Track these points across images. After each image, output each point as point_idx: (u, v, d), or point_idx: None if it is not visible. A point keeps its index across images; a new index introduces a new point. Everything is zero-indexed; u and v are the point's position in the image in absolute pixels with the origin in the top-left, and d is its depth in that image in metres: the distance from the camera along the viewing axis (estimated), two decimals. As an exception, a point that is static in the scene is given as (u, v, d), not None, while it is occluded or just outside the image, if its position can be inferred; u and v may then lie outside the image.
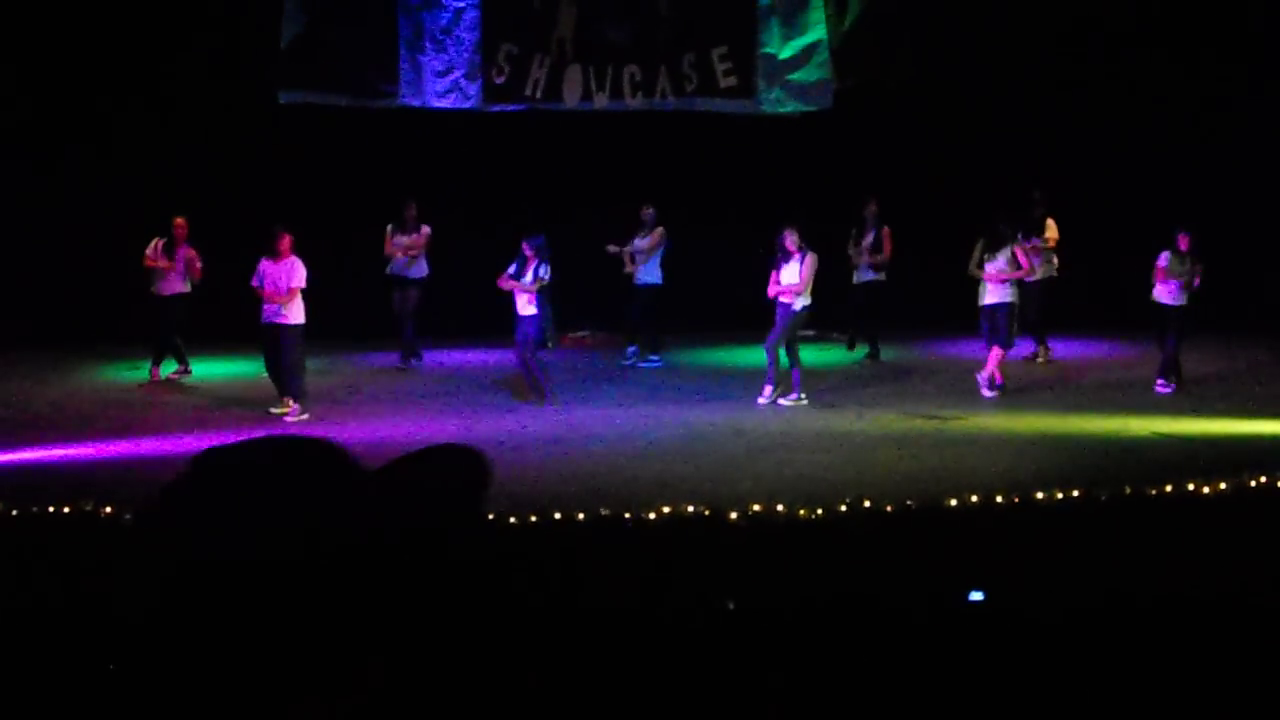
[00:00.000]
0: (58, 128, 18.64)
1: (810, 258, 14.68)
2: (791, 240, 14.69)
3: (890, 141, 18.75)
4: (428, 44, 18.52)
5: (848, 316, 17.79)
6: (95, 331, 18.24)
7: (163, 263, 16.36)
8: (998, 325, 15.09)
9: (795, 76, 18.56)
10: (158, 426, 14.10)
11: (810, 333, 17.97)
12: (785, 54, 18.54)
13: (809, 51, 18.49)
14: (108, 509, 10.34)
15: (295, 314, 14.52)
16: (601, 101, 18.64)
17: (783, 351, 14.87)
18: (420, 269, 17.47)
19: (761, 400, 14.88)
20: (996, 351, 15.04)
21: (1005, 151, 18.48)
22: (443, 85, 18.58)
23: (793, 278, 14.65)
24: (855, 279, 17.50)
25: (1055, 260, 17.13)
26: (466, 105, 18.66)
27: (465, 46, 18.54)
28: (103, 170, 18.49)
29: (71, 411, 14.91)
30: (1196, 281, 14.96)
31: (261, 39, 18.07)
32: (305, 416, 14.46)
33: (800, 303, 14.74)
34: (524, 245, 14.71)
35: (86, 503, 10.45)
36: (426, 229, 17.37)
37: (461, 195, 18.75)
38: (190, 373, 16.75)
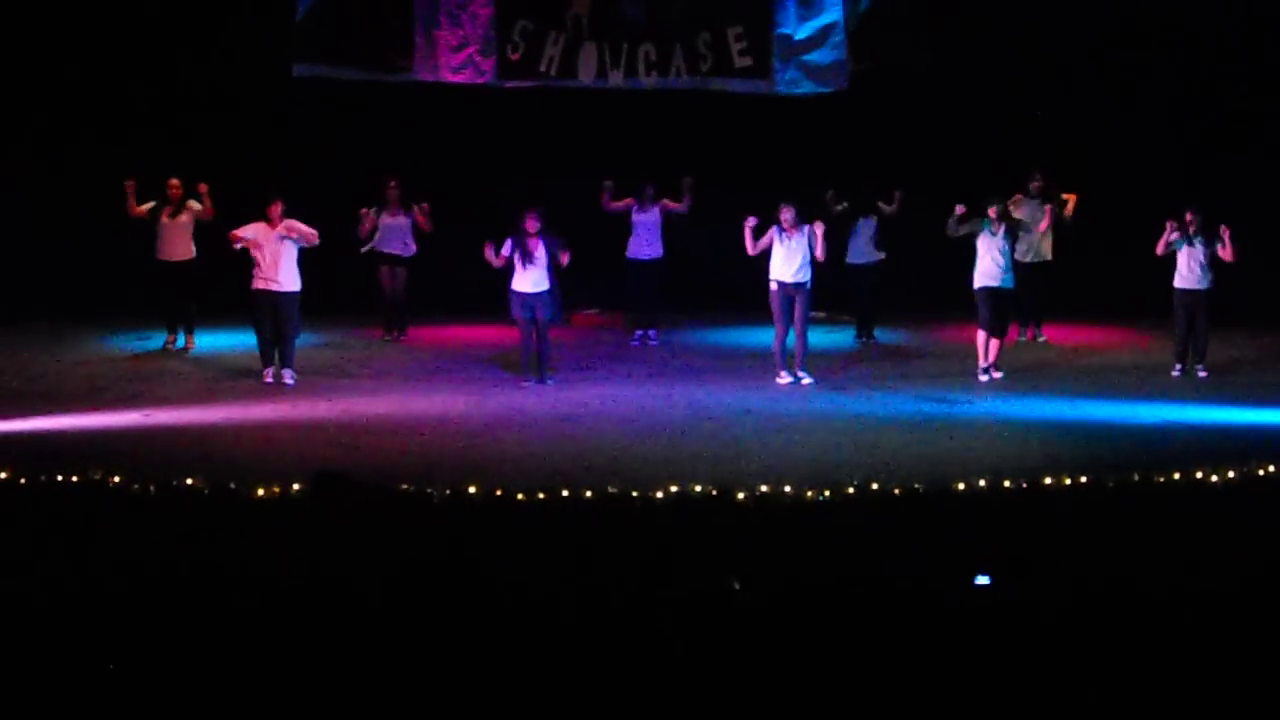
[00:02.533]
0: (67, 99, 18.62)
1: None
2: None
3: (906, 124, 18.69)
4: (443, 18, 18.45)
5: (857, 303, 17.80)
6: (106, 302, 18.24)
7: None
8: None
9: (811, 57, 18.48)
10: (168, 397, 14.14)
11: (821, 314, 18.01)
12: (801, 34, 18.47)
13: (825, 33, 18.41)
14: (116, 478, 10.37)
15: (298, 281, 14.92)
16: (616, 79, 18.57)
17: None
18: (411, 247, 17.59)
19: (805, 381, 14.96)
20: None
21: (1019, 136, 18.46)
22: (457, 60, 18.53)
23: None
24: (856, 260, 17.46)
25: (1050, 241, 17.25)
26: (480, 81, 18.62)
27: (480, 22, 18.48)
28: (112, 140, 18.44)
29: (82, 381, 14.93)
30: (1227, 253, 14.92)
31: (276, 12, 18.04)
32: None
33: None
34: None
35: (95, 472, 10.49)
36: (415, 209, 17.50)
37: (470, 172, 18.72)
38: (175, 346, 16.82)
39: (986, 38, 18.49)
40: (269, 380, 14.69)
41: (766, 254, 14.97)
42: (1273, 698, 6.55)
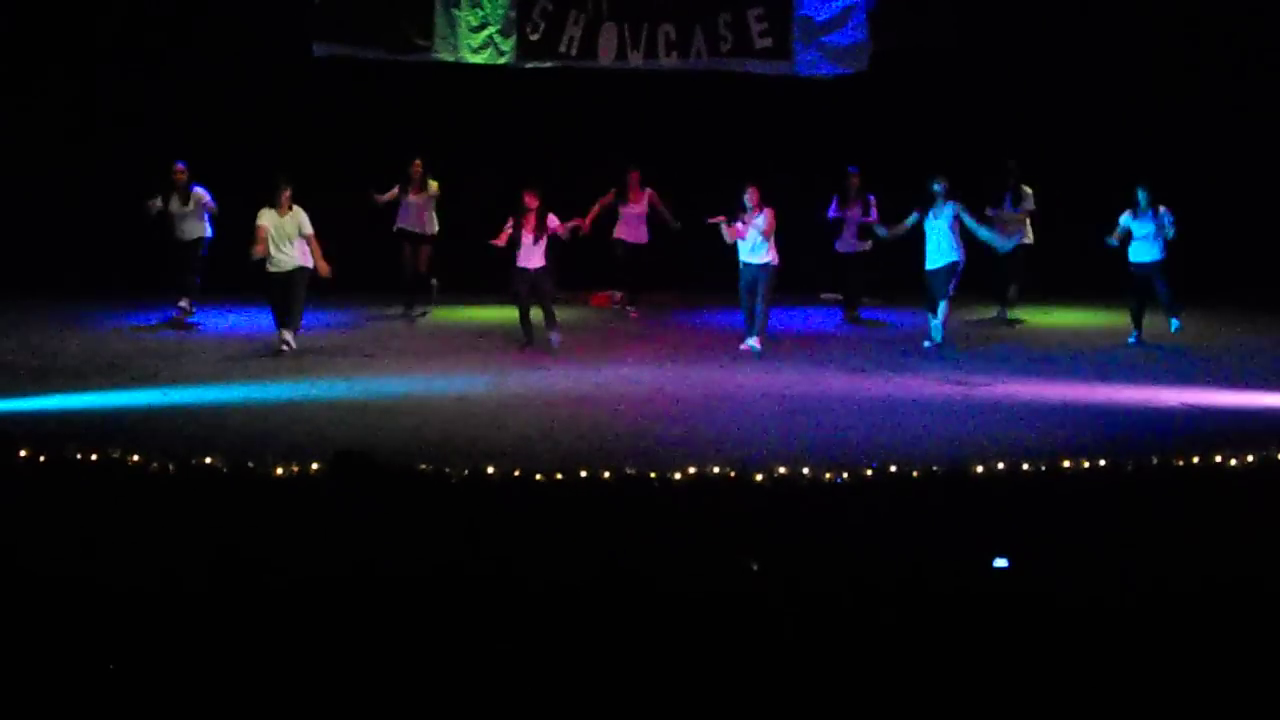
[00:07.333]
0: (88, 79, 18.66)
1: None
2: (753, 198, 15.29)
3: (927, 107, 18.65)
4: (463, -2, 18.50)
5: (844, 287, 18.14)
6: (125, 279, 18.27)
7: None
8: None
9: (831, 39, 18.47)
10: (186, 375, 14.16)
11: (832, 295, 18.15)
12: (822, 16, 18.47)
13: (846, 14, 18.41)
14: (135, 457, 10.39)
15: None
16: (636, 60, 18.58)
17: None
18: (432, 226, 17.72)
19: (746, 347, 15.57)
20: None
21: (1038, 117, 18.46)
22: (477, 40, 18.54)
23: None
24: (844, 249, 17.86)
25: (1030, 228, 17.74)
26: (500, 61, 18.63)
27: (500, 2, 18.49)
28: (132, 118, 18.49)
29: (101, 359, 14.96)
30: (1170, 231, 15.76)
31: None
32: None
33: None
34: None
35: (114, 450, 10.50)
36: (435, 185, 17.66)
37: (489, 152, 18.73)
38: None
39: (1009, 19, 18.45)
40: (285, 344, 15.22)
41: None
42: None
